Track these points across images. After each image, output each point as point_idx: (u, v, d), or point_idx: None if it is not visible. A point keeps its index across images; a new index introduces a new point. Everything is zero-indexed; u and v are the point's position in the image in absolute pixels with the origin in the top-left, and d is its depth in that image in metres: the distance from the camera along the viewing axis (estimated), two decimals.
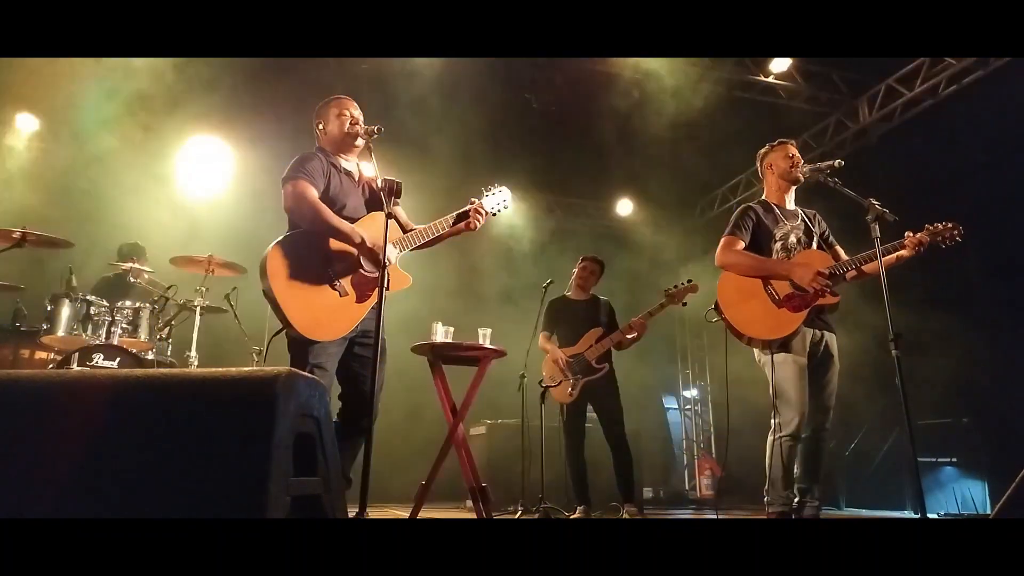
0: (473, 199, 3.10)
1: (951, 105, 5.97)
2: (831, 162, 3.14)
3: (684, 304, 4.65)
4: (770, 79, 6.59)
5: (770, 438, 3.14)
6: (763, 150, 3.57)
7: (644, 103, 6.59)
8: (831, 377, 3.22)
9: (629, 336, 4.64)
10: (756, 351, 3.30)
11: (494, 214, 3.21)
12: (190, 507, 1.35)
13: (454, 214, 3.03)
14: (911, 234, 3.15)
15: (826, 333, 3.24)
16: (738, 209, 3.45)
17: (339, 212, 2.83)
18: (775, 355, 3.13)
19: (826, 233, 3.46)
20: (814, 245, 3.35)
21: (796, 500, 3.13)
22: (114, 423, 1.49)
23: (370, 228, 2.82)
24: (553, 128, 6.92)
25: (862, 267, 3.17)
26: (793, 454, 3.09)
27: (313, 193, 2.75)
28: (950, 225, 3.14)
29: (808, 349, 3.17)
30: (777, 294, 3.19)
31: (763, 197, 3.53)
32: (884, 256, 2.99)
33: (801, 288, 3.15)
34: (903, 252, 3.15)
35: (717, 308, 3.28)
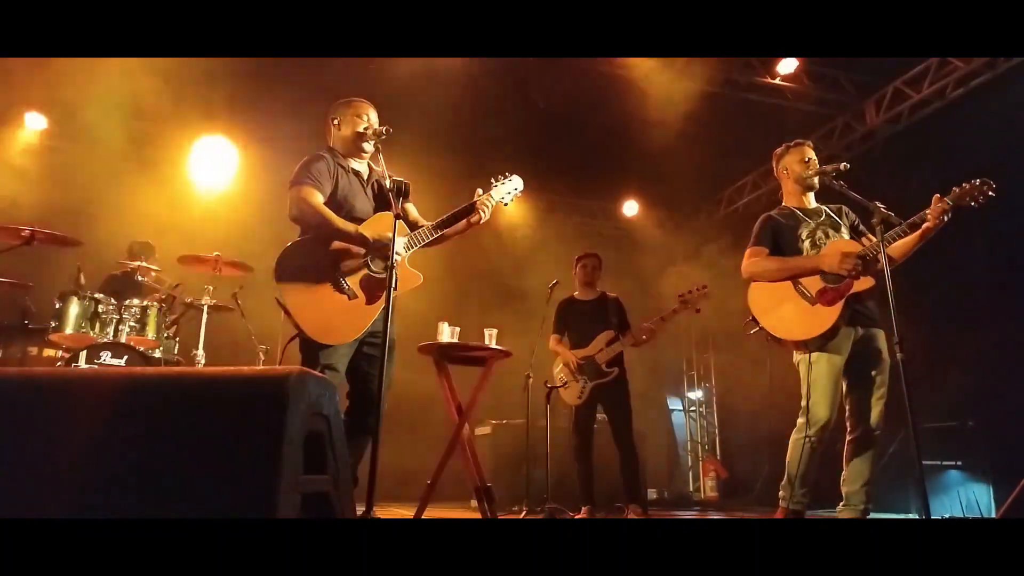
0: (479, 189, 3.04)
1: (959, 108, 5.95)
2: (837, 164, 3.12)
3: (697, 310, 4.62)
4: (777, 81, 6.58)
5: (795, 436, 3.09)
6: (779, 150, 3.49)
7: (650, 103, 6.59)
8: (880, 374, 3.08)
9: (639, 343, 4.64)
10: (795, 353, 3.25)
11: (505, 203, 3.19)
12: (201, 505, 1.36)
13: (456, 210, 2.97)
14: (938, 197, 2.95)
15: (872, 329, 3.13)
16: (759, 220, 3.39)
17: (348, 213, 2.84)
18: (811, 354, 3.06)
19: (856, 223, 3.34)
20: (845, 236, 3.25)
21: (841, 504, 3.07)
22: (124, 421, 1.50)
23: (376, 229, 2.82)
24: (559, 128, 6.93)
25: (898, 240, 3.01)
26: (814, 456, 3.03)
27: (317, 198, 2.76)
28: (979, 182, 2.93)
29: (852, 348, 3.08)
30: (809, 292, 3.12)
31: (783, 204, 3.46)
32: (906, 234, 2.95)
33: (833, 277, 3.07)
34: (927, 224, 2.94)
35: (753, 319, 3.21)
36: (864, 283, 3.05)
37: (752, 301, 3.24)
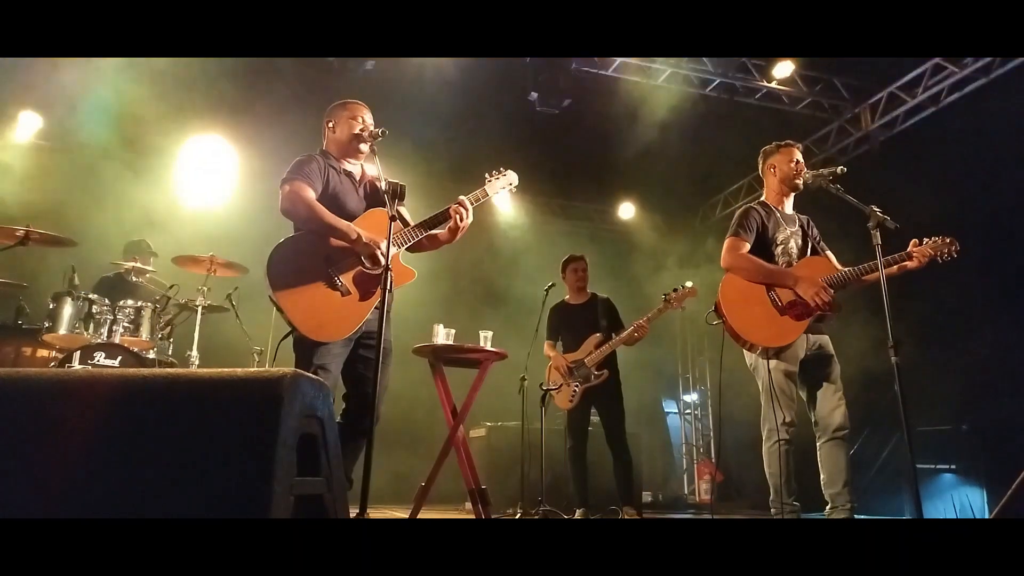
0: (461, 196, 2.99)
1: (953, 112, 5.98)
2: (833, 168, 3.14)
3: (683, 308, 4.66)
4: (773, 84, 6.60)
5: (766, 446, 3.14)
6: (768, 147, 3.52)
7: (647, 106, 6.61)
8: (835, 376, 3.20)
9: (627, 342, 4.64)
10: (748, 356, 3.30)
11: (497, 193, 3.18)
12: (195, 506, 1.36)
13: (434, 214, 2.94)
14: (916, 242, 3.16)
15: (820, 336, 3.24)
16: (741, 210, 3.42)
17: (339, 212, 2.82)
18: (770, 361, 3.12)
19: (818, 239, 3.46)
20: (808, 251, 3.36)
21: (828, 506, 3.10)
22: (118, 423, 1.49)
23: (368, 226, 2.82)
24: (556, 131, 6.93)
25: (863, 277, 3.15)
26: (790, 459, 3.07)
27: (309, 193, 2.75)
28: (948, 240, 3.15)
29: (805, 355, 3.17)
30: (780, 300, 3.17)
31: (762, 199, 3.51)
32: (888, 266, 2.99)
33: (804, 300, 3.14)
34: (909, 264, 3.13)
35: (718, 310, 3.24)
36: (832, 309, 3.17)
37: (724, 292, 3.25)
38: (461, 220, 2.92)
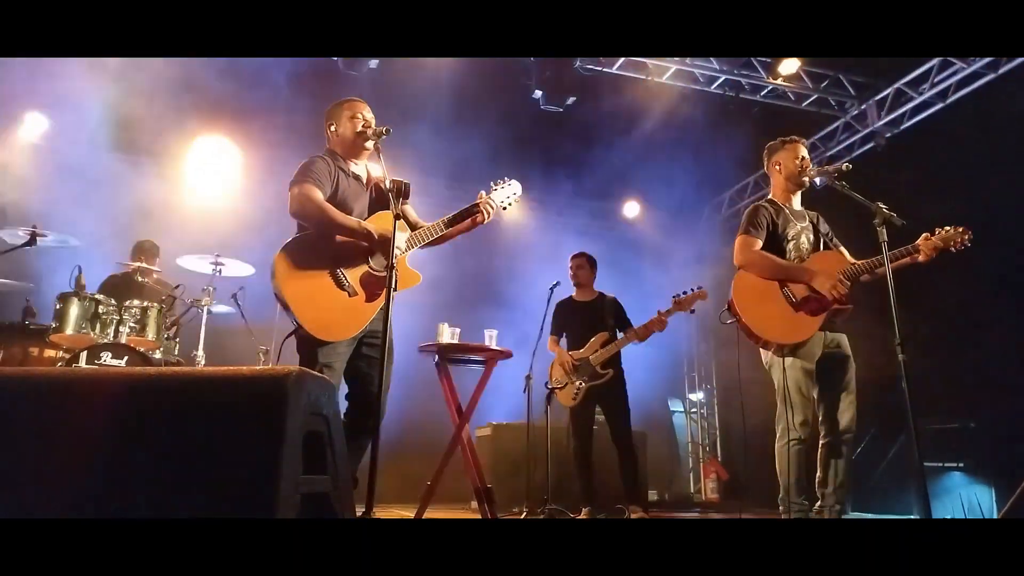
0: (481, 192, 3.08)
1: (960, 109, 5.95)
2: (839, 165, 3.12)
3: (692, 311, 4.64)
4: (778, 81, 6.57)
5: (778, 444, 3.13)
6: (773, 143, 3.49)
7: (652, 104, 6.59)
8: (850, 377, 3.18)
9: (641, 337, 4.62)
10: (764, 354, 3.28)
11: (504, 207, 3.20)
12: (202, 505, 1.36)
13: (461, 210, 3.01)
14: (928, 236, 3.13)
15: (838, 334, 3.22)
16: (750, 207, 3.39)
17: (347, 215, 2.83)
18: (786, 359, 3.10)
19: (829, 234, 3.44)
20: (820, 247, 3.34)
21: (818, 504, 3.10)
22: (125, 421, 1.50)
23: (378, 226, 2.82)
24: (560, 129, 6.92)
25: (876, 270, 3.13)
26: (802, 458, 3.06)
27: (318, 195, 2.75)
28: (960, 229, 3.12)
29: (823, 352, 3.15)
30: (794, 296, 3.15)
31: (770, 196, 3.48)
32: (897, 260, 2.99)
33: (820, 294, 3.12)
34: (918, 257, 3.11)
35: (731, 309, 3.22)
36: (845, 306, 3.13)
37: (737, 290, 3.22)
38: (488, 216, 3.00)
